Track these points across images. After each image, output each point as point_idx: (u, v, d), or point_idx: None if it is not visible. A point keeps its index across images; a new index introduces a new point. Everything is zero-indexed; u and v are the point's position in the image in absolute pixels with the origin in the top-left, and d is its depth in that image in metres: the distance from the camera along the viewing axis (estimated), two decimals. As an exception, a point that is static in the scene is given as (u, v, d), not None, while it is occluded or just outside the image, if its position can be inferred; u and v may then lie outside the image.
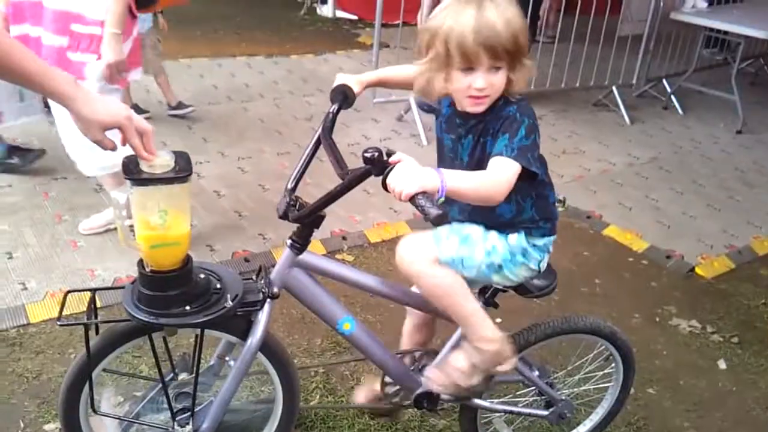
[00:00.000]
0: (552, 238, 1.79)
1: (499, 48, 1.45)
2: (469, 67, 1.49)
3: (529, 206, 1.71)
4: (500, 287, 1.84)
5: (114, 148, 1.42)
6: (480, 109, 1.56)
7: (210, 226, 3.37)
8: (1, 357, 2.44)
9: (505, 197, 1.59)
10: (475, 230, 1.73)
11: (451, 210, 1.80)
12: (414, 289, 1.96)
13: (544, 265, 1.80)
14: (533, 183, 1.63)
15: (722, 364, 2.77)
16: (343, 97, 1.76)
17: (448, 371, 1.83)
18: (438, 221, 1.30)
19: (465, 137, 1.65)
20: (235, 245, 3.25)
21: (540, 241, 1.76)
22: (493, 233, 1.74)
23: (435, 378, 1.87)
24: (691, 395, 2.59)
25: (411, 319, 2.08)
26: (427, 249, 1.67)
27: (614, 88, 5.56)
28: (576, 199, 3.99)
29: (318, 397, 2.39)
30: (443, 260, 1.68)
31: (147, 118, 3.83)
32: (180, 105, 4.59)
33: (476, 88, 1.50)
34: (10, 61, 1.27)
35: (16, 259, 2.98)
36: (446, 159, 1.72)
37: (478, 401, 1.98)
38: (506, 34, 1.45)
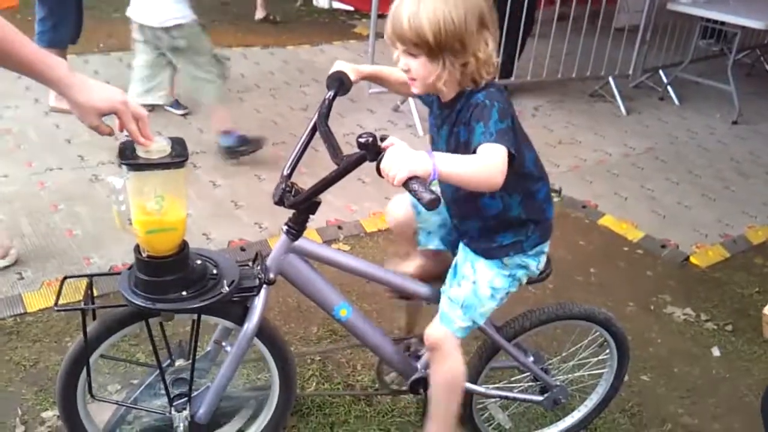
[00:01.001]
0: (545, 244, 1.82)
1: (404, 38, 1.52)
2: (395, 48, 1.59)
3: (516, 203, 1.71)
4: None
5: (111, 134, 1.42)
6: (414, 90, 1.63)
7: (206, 216, 3.38)
8: (-1, 346, 2.45)
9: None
10: (467, 288, 1.77)
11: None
12: (404, 273, 1.97)
13: (542, 266, 1.84)
14: (519, 177, 1.63)
15: (716, 352, 2.79)
16: (340, 83, 1.76)
17: None
18: (430, 205, 1.30)
19: (441, 127, 1.67)
20: (231, 234, 3.26)
21: (532, 251, 1.79)
22: (483, 267, 1.77)
23: None
24: (685, 382, 2.61)
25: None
26: (446, 335, 1.79)
27: (610, 78, 5.56)
28: (572, 189, 4.00)
29: (314, 384, 2.40)
30: (462, 335, 1.80)
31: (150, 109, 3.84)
32: (176, 104, 4.57)
33: (400, 68, 1.60)
34: (11, 48, 1.27)
35: (12, 249, 2.97)
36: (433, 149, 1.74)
37: (473, 386, 2.00)
38: (409, 27, 1.50)
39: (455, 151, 1.61)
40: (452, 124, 1.62)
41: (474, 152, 1.46)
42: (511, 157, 1.47)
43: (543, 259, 1.83)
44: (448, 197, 1.77)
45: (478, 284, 1.76)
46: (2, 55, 1.27)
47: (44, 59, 1.33)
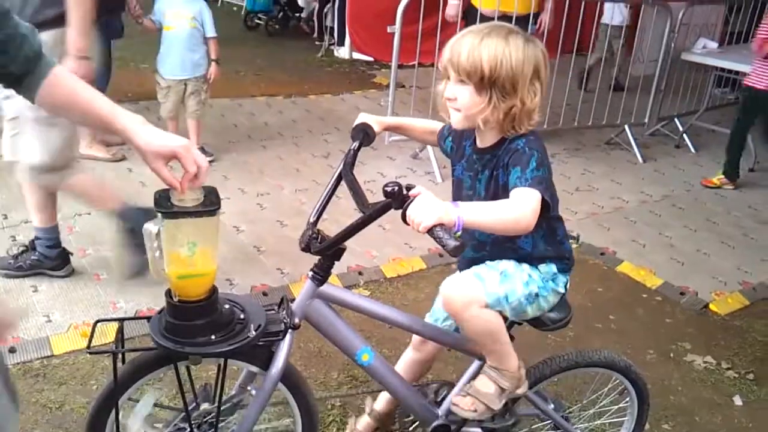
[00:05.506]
0: (569, 272, 1.87)
1: (459, 66, 1.61)
2: (447, 76, 1.66)
3: (540, 239, 1.78)
4: (517, 320, 1.88)
5: (175, 186, 1.45)
6: (454, 121, 1.69)
7: (229, 261, 3.43)
8: (25, 388, 2.48)
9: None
10: (509, 264, 1.80)
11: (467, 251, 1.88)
12: (428, 319, 2.01)
13: (568, 286, 1.88)
14: (544, 216, 1.70)
15: (738, 401, 2.77)
16: (364, 134, 1.84)
17: (479, 397, 1.87)
18: (455, 252, 1.35)
19: (482, 172, 1.74)
20: (254, 279, 3.31)
21: (561, 266, 1.85)
22: (525, 265, 1.81)
23: (465, 405, 1.89)
24: (707, 431, 2.59)
25: (415, 354, 2.13)
26: (474, 292, 1.74)
27: (626, 126, 5.62)
28: (589, 235, 4.03)
29: (335, 430, 2.42)
30: (490, 301, 1.75)
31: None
32: (201, 151, 4.69)
33: (446, 96, 1.67)
34: (80, 100, 1.35)
35: (40, 292, 3.05)
36: (465, 197, 1.80)
37: (494, 434, 2.00)
38: (468, 56, 1.59)
39: (495, 194, 1.67)
40: (492, 168, 1.69)
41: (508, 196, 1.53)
42: (546, 204, 1.55)
43: (568, 279, 1.86)
44: (483, 239, 1.81)
45: (516, 274, 1.79)
46: (81, 113, 1.37)
47: (111, 110, 1.41)
